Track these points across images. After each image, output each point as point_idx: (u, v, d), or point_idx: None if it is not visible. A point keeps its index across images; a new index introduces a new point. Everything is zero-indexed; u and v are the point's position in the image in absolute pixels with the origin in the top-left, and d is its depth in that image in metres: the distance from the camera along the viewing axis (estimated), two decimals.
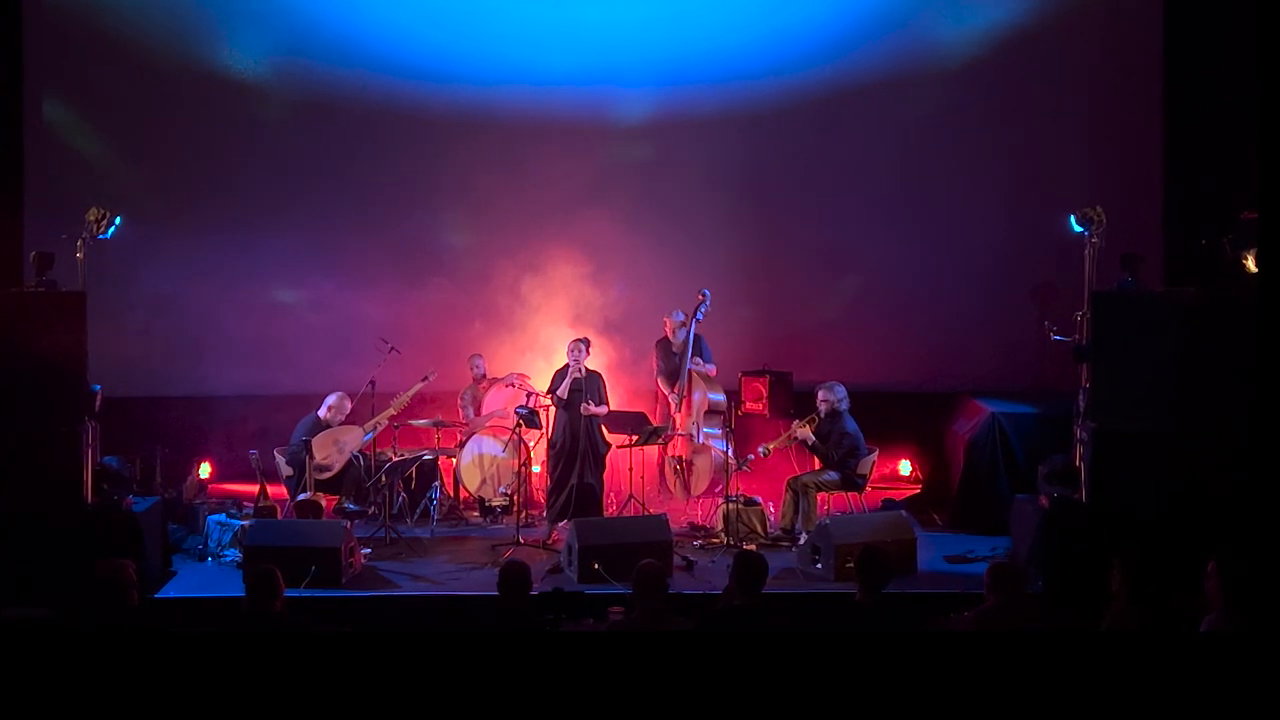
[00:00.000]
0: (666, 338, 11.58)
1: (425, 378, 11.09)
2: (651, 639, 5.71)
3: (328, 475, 10.47)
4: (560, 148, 12.20)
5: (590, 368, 10.54)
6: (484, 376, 11.65)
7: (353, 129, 12.29)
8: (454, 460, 11.24)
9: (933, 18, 12.23)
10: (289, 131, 12.29)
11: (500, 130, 12.24)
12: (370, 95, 12.22)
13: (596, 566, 9.02)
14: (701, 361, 11.43)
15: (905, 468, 12.31)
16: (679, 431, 11.37)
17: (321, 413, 10.73)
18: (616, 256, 11.96)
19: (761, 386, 11.69)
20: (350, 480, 10.59)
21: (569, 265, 11.67)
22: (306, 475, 10.23)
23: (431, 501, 10.85)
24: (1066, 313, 9.97)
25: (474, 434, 11.19)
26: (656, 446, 11.30)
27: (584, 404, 10.29)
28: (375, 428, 10.74)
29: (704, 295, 11.40)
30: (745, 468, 10.68)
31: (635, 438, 10.65)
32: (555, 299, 11.68)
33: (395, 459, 10.64)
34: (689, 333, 11.38)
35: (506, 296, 11.89)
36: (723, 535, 10.19)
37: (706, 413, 11.26)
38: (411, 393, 11.00)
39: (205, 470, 11.70)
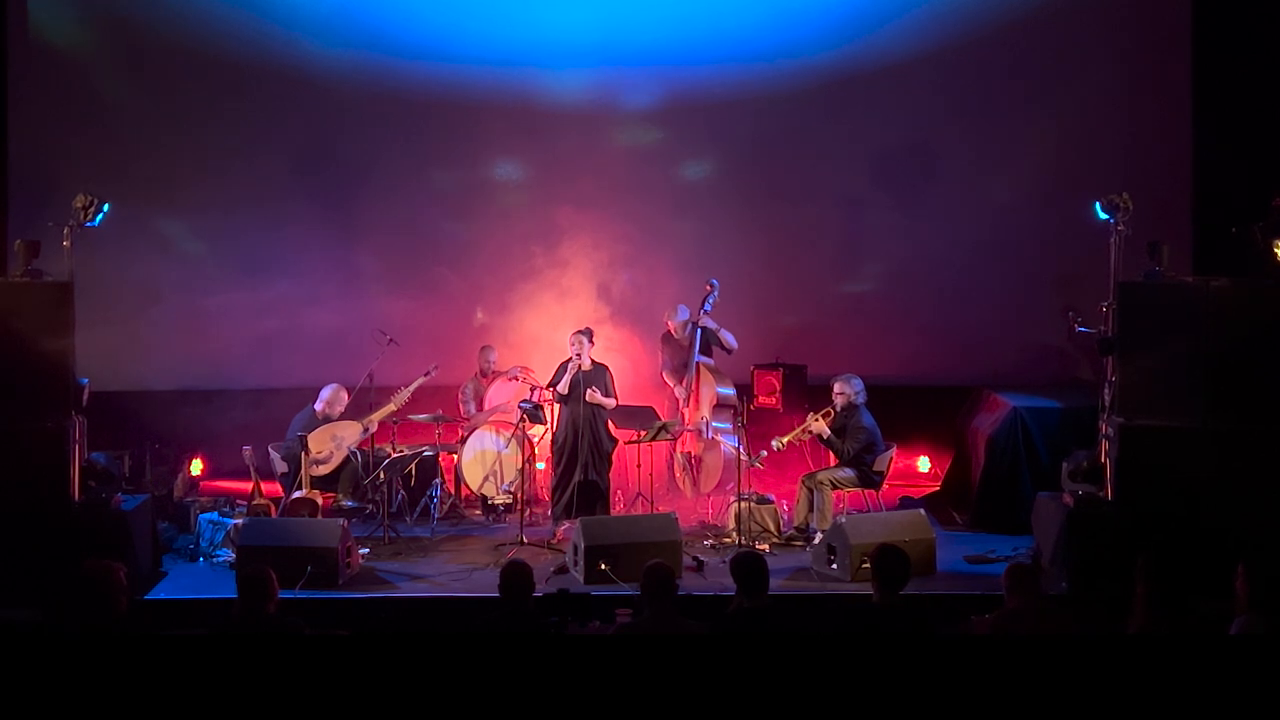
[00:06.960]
0: (670, 332, 11.33)
1: (428, 372, 10.97)
2: (660, 642, 5.56)
3: (324, 469, 10.37)
4: (566, 131, 12.08)
5: (598, 360, 10.38)
6: (493, 370, 11.43)
7: (350, 111, 12.13)
8: (455, 456, 11.11)
9: None
10: (283, 115, 12.14)
11: (504, 113, 12.07)
12: (368, 77, 12.06)
13: (603, 567, 8.90)
14: (710, 359, 11.19)
15: (924, 464, 12.21)
16: (687, 427, 11.13)
17: (317, 406, 10.65)
18: (625, 244, 11.82)
19: (775, 380, 11.70)
20: (348, 477, 10.48)
21: (575, 253, 11.54)
22: (302, 472, 10.10)
23: (432, 499, 10.70)
24: (1092, 303, 9.79)
25: (476, 429, 11.02)
26: (665, 442, 11.09)
27: (589, 390, 10.15)
28: (374, 423, 10.59)
29: (712, 285, 11.21)
30: (758, 464, 10.43)
31: (643, 433, 10.46)
32: (561, 288, 11.50)
33: (394, 455, 10.51)
34: (696, 325, 11.13)
35: (510, 286, 11.73)
36: (734, 534, 10.03)
37: (715, 407, 11.09)
38: (413, 387, 10.84)
39: (197, 467, 11.60)
